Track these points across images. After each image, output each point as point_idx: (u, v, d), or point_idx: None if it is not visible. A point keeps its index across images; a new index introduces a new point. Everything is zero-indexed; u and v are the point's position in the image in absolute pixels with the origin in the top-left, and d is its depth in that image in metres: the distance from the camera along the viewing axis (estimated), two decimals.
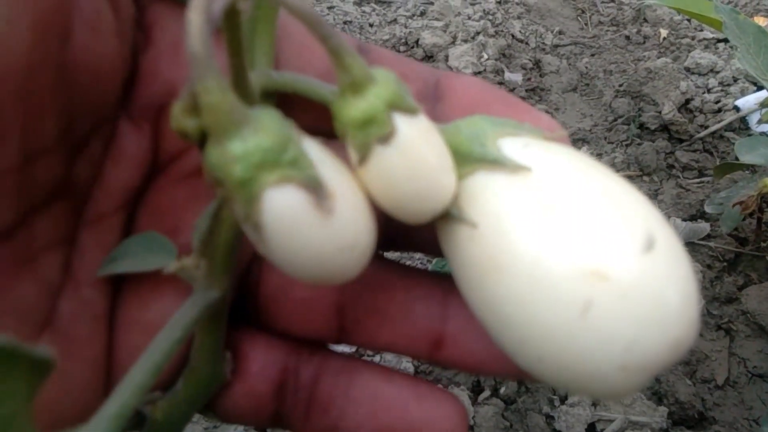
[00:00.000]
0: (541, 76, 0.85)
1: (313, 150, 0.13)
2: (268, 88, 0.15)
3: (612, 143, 0.74)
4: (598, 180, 0.14)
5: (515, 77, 0.84)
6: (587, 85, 0.83)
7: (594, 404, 0.50)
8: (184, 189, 0.16)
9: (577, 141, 0.75)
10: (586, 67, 0.85)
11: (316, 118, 0.15)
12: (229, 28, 0.12)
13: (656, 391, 0.51)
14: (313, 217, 0.12)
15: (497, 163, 0.14)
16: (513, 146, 0.15)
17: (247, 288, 0.17)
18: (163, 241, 0.15)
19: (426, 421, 0.16)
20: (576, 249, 0.13)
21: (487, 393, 0.50)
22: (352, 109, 0.13)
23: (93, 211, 0.15)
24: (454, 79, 0.17)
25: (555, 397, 0.50)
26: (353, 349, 0.47)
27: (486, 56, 0.87)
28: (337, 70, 0.13)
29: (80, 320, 0.15)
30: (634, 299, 0.13)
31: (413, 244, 0.18)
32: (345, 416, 0.17)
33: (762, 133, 0.68)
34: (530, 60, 0.86)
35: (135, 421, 0.17)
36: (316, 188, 0.12)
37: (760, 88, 0.74)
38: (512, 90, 0.81)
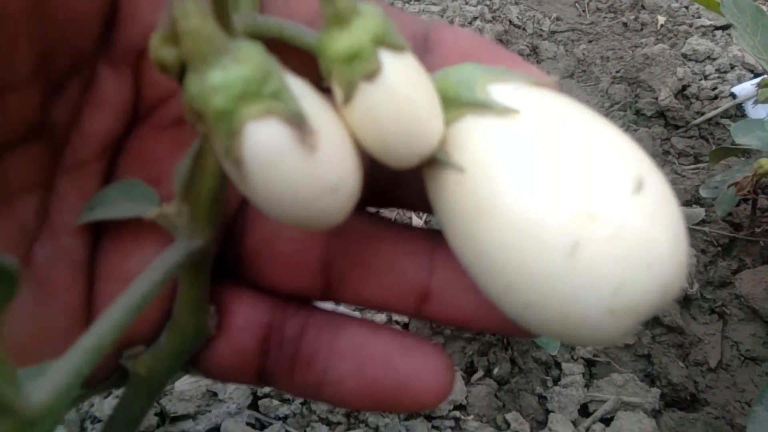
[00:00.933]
0: (538, 62, 0.84)
1: (297, 85, 0.12)
2: (253, 32, 0.15)
3: None
4: (588, 123, 0.14)
5: None
6: (584, 71, 0.83)
7: (587, 385, 0.50)
8: (167, 138, 0.16)
9: None
10: (584, 54, 0.85)
11: (301, 67, 0.14)
12: None
13: (649, 373, 0.51)
14: (296, 153, 0.12)
15: (486, 106, 0.14)
16: (502, 91, 0.14)
17: (231, 242, 0.17)
18: (144, 188, 0.15)
19: (412, 374, 0.16)
20: (564, 191, 0.13)
21: (480, 373, 0.50)
22: (337, 43, 0.12)
23: (72, 156, 0.15)
24: (445, 30, 0.16)
25: (548, 378, 0.50)
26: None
27: None
28: (321, 1, 0.12)
29: (58, 268, 0.15)
30: (622, 241, 0.12)
31: (400, 199, 0.17)
32: (330, 370, 0.16)
33: (758, 120, 0.68)
34: (527, 46, 0.86)
35: (117, 377, 0.17)
36: (299, 123, 0.12)
37: (756, 75, 0.74)
38: None
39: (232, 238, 0.17)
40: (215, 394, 0.44)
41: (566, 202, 0.13)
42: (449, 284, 0.16)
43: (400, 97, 0.13)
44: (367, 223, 0.17)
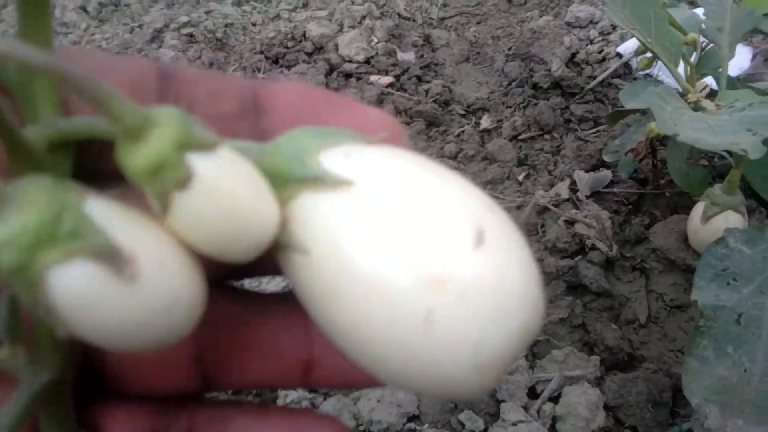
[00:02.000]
0: (432, 51, 0.85)
1: (103, 211, 0.12)
2: (59, 139, 0.13)
3: (510, 107, 0.75)
4: (421, 179, 0.13)
5: (408, 56, 0.84)
6: (478, 53, 0.84)
7: (531, 367, 0.51)
8: None
9: (478, 110, 0.76)
10: (475, 36, 0.86)
11: None
12: None
13: (586, 341, 0.53)
14: (114, 288, 0.11)
15: (318, 180, 0.13)
16: (334, 158, 0.14)
17: (92, 358, 0.16)
18: None
19: None
20: (408, 259, 0.12)
21: None
22: (137, 159, 0.12)
23: None
24: (273, 87, 0.16)
25: None
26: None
27: (376, 39, 0.86)
28: (107, 120, 0.11)
29: None
30: (473, 298, 0.12)
31: (262, 267, 0.17)
32: None
33: (646, 75, 0.70)
34: (420, 36, 0.86)
35: None
36: (109, 255, 0.11)
37: None
38: (406, 70, 0.80)
39: (91, 354, 0.16)
40: None
41: (412, 271, 0.12)
42: (330, 351, 0.16)
43: (219, 198, 0.12)
44: (234, 303, 0.16)
